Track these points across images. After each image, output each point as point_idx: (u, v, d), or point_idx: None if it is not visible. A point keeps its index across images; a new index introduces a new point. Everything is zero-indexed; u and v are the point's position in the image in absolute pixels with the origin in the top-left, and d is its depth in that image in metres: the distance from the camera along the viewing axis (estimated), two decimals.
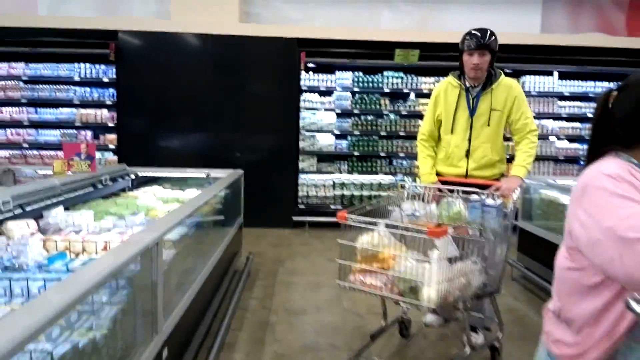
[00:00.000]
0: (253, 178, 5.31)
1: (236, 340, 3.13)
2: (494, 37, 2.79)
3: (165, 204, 3.41)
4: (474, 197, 2.45)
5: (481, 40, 2.76)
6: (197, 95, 6.17)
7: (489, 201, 2.40)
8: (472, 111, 2.92)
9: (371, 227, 2.18)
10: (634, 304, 0.97)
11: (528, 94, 6.64)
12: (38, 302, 1.14)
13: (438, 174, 3.07)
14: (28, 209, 2.42)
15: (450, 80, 3.00)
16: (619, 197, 1.03)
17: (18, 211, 2.34)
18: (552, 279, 3.95)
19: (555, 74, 6.74)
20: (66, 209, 2.77)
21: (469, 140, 2.93)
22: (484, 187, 2.63)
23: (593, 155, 1.20)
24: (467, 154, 2.94)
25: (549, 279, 4.03)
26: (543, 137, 6.70)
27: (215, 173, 4.45)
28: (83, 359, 1.38)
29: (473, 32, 2.82)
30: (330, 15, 6.59)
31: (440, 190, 2.74)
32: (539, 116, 6.67)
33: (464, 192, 2.53)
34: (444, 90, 3.01)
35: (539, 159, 6.69)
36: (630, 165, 1.11)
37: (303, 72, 6.37)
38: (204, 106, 6.18)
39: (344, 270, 2.28)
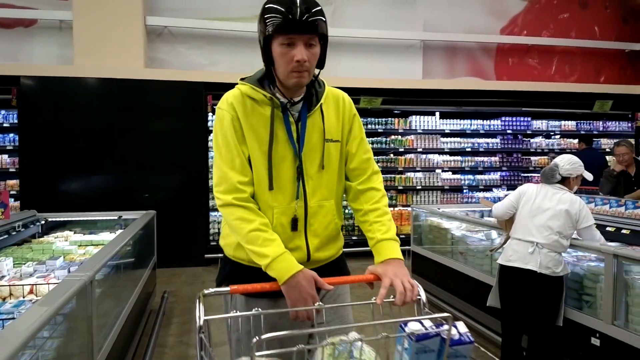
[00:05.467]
0: (164, 218, 5.43)
1: None
2: (321, 11, 1.53)
3: (81, 248, 3.50)
4: (414, 325, 1.06)
5: (309, 13, 1.47)
6: (104, 139, 6.19)
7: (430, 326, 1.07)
8: (299, 145, 1.64)
9: None
10: None
11: (415, 132, 7.49)
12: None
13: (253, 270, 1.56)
14: None
15: (249, 92, 1.60)
16: None
17: None
18: (442, 295, 4.63)
19: (437, 113, 7.67)
20: None
21: (304, 197, 1.65)
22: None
23: None
24: (305, 223, 1.66)
25: (438, 296, 4.62)
26: (431, 169, 7.54)
27: (127, 215, 4.56)
28: None
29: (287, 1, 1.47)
30: (235, 60, 6.99)
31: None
32: (426, 151, 7.51)
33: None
34: (242, 111, 1.60)
35: (428, 189, 7.49)
36: None
37: (210, 114, 6.67)
38: (111, 149, 6.21)
39: None
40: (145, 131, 6.29)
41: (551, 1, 8.04)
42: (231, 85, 6.14)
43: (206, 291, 1.35)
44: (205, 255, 6.45)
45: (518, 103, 7.66)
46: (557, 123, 8.04)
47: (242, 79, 1.67)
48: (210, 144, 6.65)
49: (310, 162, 1.66)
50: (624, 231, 4.06)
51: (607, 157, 6.92)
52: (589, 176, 3.25)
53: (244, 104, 1.61)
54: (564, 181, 3.18)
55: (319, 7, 1.52)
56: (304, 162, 1.64)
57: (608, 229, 4.14)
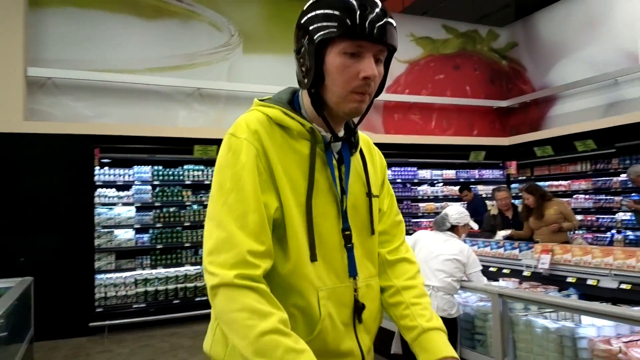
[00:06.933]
0: (43, 284, 4.89)
1: None
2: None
3: None
4: None
5: (384, 16, 1.09)
6: None
7: None
8: (342, 196, 1.20)
9: None
10: None
11: None
12: None
13: None
14: None
15: (280, 118, 1.15)
16: None
17: None
18: None
19: None
20: None
21: (353, 269, 1.20)
22: None
23: None
24: (357, 312, 1.19)
25: None
26: None
27: (0, 283, 4.04)
28: None
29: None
30: (125, 112, 6.72)
31: None
32: None
33: None
34: (271, 144, 1.12)
35: None
36: None
37: (98, 168, 6.27)
38: None
39: None
40: (21, 189, 5.72)
41: (428, 64, 8.90)
42: (122, 138, 5.82)
43: None
44: (90, 324, 5.83)
45: (404, 154, 8.21)
46: (439, 172, 8.73)
47: (262, 100, 1.21)
48: (97, 199, 6.20)
49: (353, 222, 1.21)
50: (504, 271, 4.43)
51: (487, 202, 7.62)
52: (475, 226, 3.57)
53: (272, 134, 1.13)
54: (454, 229, 3.43)
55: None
56: (349, 219, 1.20)
57: (491, 269, 4.50)
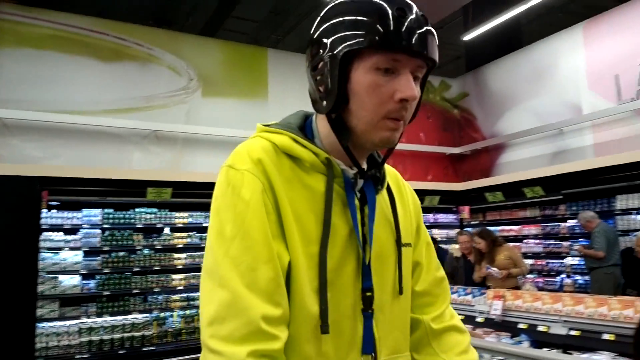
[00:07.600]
0: None
1: None
2: None
3: None
4: None
5: (426, 24, 0.88)
6: None
7: None
8: (364, 246, 0.96)
9: None
10: None
11: None
12: None
13: None
14: None
15: (290, 147, 0.93)
16: None
17: None
18: None
19: None
20: None
21: (369, 344, 0.93)
22: None
23: None
24: None
25: None
26: None
27: None
28: None
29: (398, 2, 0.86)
30: (77, 154, 6.51)
31: None
32: None
33: None
34: (278, 177, 0.90)
35: None
36: None
37: (45, 210, 6.00)
38: None
39: None
40: None
41: None
42: (72, 180, 5.61)
43: None
44: None
45: None
46: None
47: (266, 125, 1.00)
48: (42, 244, 5.90)
49: (379, 279, 0.96)
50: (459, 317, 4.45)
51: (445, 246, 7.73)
52: None
53: (279, 165, 0.91)
54: None
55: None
56: (373, 277, 0.95)
57: None
